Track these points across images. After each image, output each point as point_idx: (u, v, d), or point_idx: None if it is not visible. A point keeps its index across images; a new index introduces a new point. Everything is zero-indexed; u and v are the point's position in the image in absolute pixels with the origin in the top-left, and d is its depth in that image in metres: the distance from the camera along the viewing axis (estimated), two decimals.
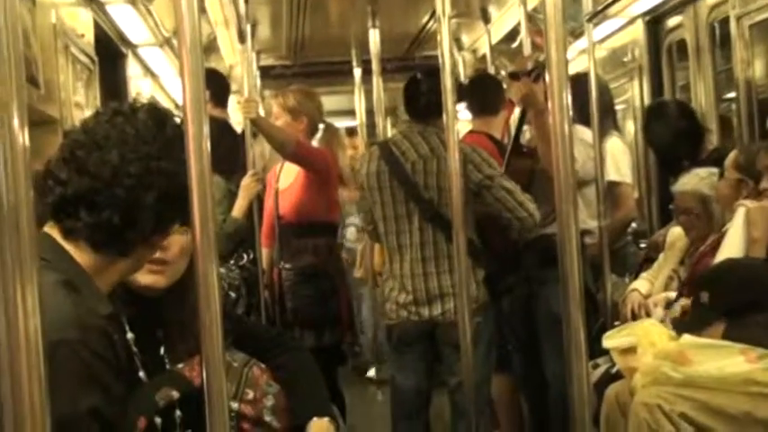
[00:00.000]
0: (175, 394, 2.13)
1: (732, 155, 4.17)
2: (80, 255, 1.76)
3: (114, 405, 1.65)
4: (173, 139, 1.80)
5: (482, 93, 5.26)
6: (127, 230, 1.77)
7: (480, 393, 3.91)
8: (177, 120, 1.88)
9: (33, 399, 0.68)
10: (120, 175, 1.75)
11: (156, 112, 1.86)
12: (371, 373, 7.82)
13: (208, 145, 1.61)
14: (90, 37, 5.12)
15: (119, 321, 2.13)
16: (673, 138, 5.19)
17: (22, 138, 0.64)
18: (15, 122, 0.64)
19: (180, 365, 2.23)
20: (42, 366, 0.70)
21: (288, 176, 5.22)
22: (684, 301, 3.86)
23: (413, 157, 4.28)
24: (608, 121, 5.13)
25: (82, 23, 4.95)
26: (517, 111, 4.90)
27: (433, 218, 4.23)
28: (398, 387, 4.44)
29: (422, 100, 4.35)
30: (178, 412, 2.15)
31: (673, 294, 4.23)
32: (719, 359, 3.19)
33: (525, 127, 4.74)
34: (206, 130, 1.61)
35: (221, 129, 5.05)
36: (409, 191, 4.27)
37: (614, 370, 3.76)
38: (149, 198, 1.77)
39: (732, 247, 3.82)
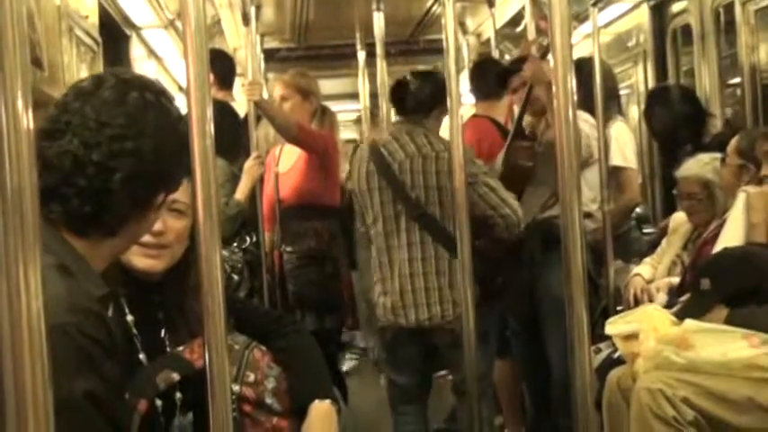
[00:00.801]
0: (176, 376, 2.13)
1: (734, 141, 4.17)
2: (69, 238, 1.73)
3: (111, 388, 1.63)
4: (135, 114, 1.74)
5: (485, 77, 5.26)
6: (102, 215, 1.73)
7: (481, 386, 3.92)
8: (151, 90, 1.81)
9: (36, 383, 0.68)
10: (82, 164, 1.69)
11: (119, 86, 1.77)
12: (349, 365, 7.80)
13: (211, 128, 1.61)
14: (94, 18, 5.11)
15: (117, 302, 2.13)
16: (673, 122, 5.19)
17: (26, 119, 0.64)
18: (20, 104, 0.64)
19: (180, 348, 2.23)
20: (45, 350, 0.70)
21: (288, 159, 5.22)
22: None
23: (400, 157, 4.27)
24: (613, 106, 5.13)
25: (86, 5, 4.95)
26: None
27: (419, 218, 4.23)
28: (393, 383, 4.51)
29: (409, 100, 4.36)
30: (179, 394, 2.16)
31: (676, 279, 4.24)
32: (722, 344, 3.19)
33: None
34: (209, 112, 1.60)
35: (224, 111, 5.04)
36: (396, 191, 4.26)
37: (616, 355, 3.77)
38: (115, 182, 1.71)
39: (733, 232, 3.82)
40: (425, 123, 4.34)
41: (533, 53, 4.84)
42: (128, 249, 1.99)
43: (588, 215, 4.55)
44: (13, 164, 0.62)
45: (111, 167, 1.71)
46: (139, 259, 2.24)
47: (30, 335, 0.66)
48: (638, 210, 5.57)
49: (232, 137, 5.08)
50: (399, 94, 4.44)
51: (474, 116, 5.38)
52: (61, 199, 1.70)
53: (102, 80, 1.78)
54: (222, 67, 5.65)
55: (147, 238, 2.22)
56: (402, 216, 4.26)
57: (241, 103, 5.73)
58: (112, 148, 1.71)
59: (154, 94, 1.80)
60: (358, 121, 8.18)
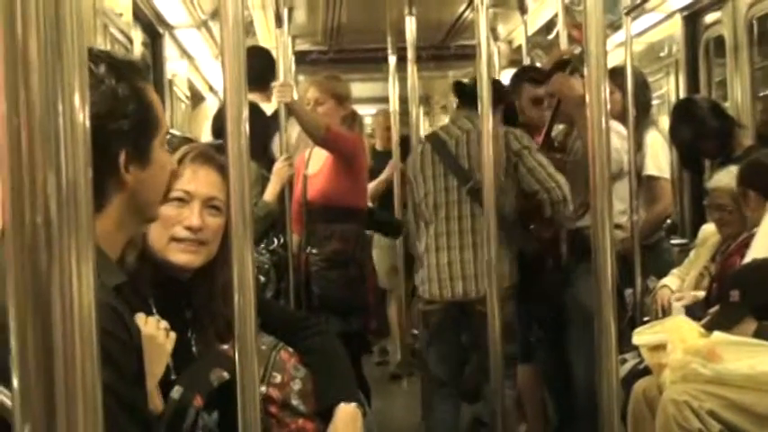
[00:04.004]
0: (226, 375, 2.13)
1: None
2: None
3: (129, 382, 1.62)
4: None
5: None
6: None
7: None
8: None
9: (86, 375, 0.69)
10: None
11: None
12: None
13: (246, 128, 1.61)
14: (128, 17, 5.14)
15: (146, 303, 2.13)
16: (696, 137, 5.15)
17: (83, 115, 0.65)
18: (77, 99, 0.65)
19: (225, 347, 2.23)
20: (95, 342, 0.71)
21: (317, 162, 5.22)
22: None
23: (456, 133, 4.49)
24: (647, 116, 5.13)
25: (120, 3, 4.98)
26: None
27: (468, 189, 4.35)
28: (434, 376, 4.63)
29: (468, 95, 4.48)
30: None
31: (701, 294, 4.21)
32: (751, 357, 3.17)
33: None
34: (245, 113, 1.61)
35: (252, 112, 5.03)
36: (448, 163, 4.43)
37: (642, 365, 3.75)
38: None
39: (763, 244, 3.79)
40: None
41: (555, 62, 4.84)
42: (140, 221, 1.88)
43: (618, 227, 4.54)
44: (69, 157, 0.63)
45: None
46: (177, 255, 2.25)
47: (81, 326, 0.67)
48: (668, 220, 5.55)
49: (260, 138, 5.09)
50: (461, 88, 4.69)
51: None
52: None
53: None
54: (255, 66, 5.65)
55: (185, 233, 2.24)
56: (453, 190, 4.41)
57: (268, 105, 5.74)
58: None
59: None
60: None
